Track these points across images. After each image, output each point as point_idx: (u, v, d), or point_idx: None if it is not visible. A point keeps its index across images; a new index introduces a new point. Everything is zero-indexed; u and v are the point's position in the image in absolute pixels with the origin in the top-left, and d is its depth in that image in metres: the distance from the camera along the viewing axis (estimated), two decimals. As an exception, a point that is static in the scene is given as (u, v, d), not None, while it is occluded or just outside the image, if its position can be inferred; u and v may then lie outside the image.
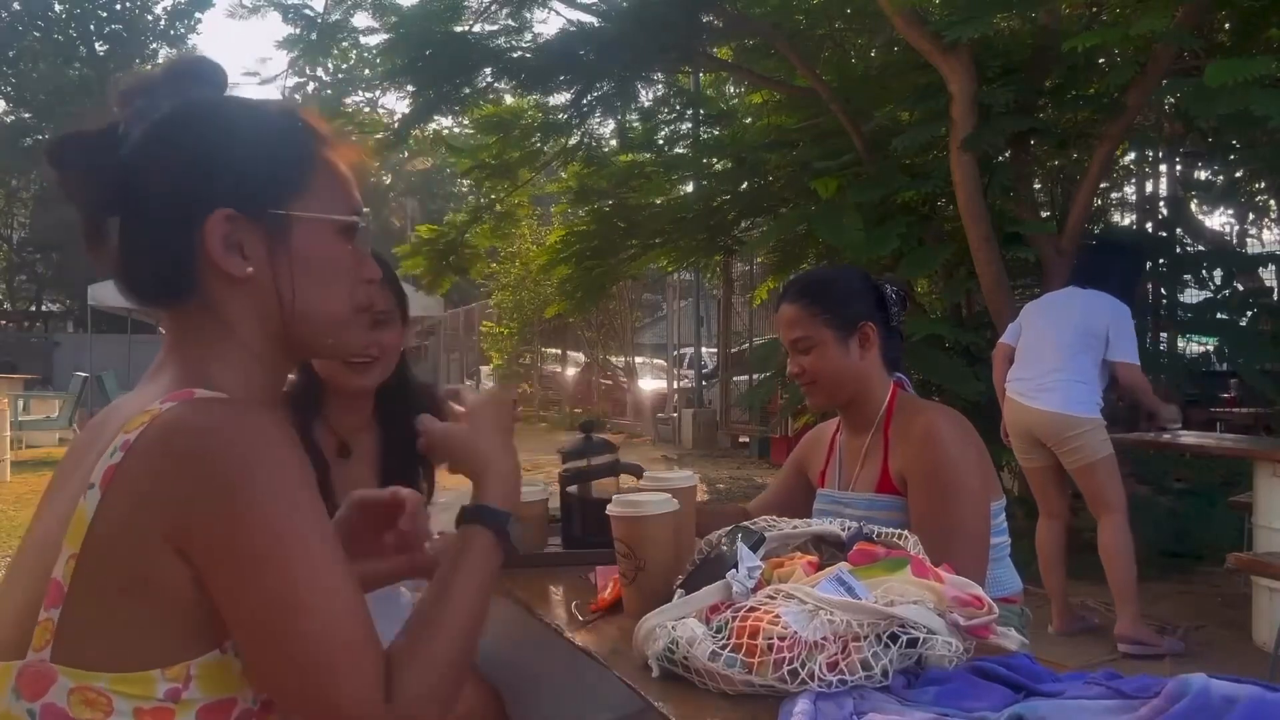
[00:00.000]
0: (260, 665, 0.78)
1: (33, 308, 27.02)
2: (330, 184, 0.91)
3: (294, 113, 0.92)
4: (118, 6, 25.39)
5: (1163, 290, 6.18)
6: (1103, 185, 6.43)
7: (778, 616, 0.97)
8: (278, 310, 0.88)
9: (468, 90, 6.87)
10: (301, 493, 0.79)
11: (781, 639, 0.95)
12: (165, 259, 0.86)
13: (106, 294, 14.24)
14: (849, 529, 1.26)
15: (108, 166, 0.86)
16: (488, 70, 6.64)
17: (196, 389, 0.82)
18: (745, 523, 1.31)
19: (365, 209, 0.94)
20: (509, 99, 7.79)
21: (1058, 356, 3.60)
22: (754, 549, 1.17)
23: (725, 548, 1.22)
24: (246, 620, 0.77)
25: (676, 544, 1.36)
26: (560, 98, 7.08)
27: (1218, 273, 6.10)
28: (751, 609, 1.01)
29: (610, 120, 7.63)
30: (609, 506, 1.38)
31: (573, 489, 1.70)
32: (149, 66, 26.63)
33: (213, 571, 0.77)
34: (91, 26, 25.21)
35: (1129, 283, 3.84)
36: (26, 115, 25.67)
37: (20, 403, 10.89)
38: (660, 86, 7.83)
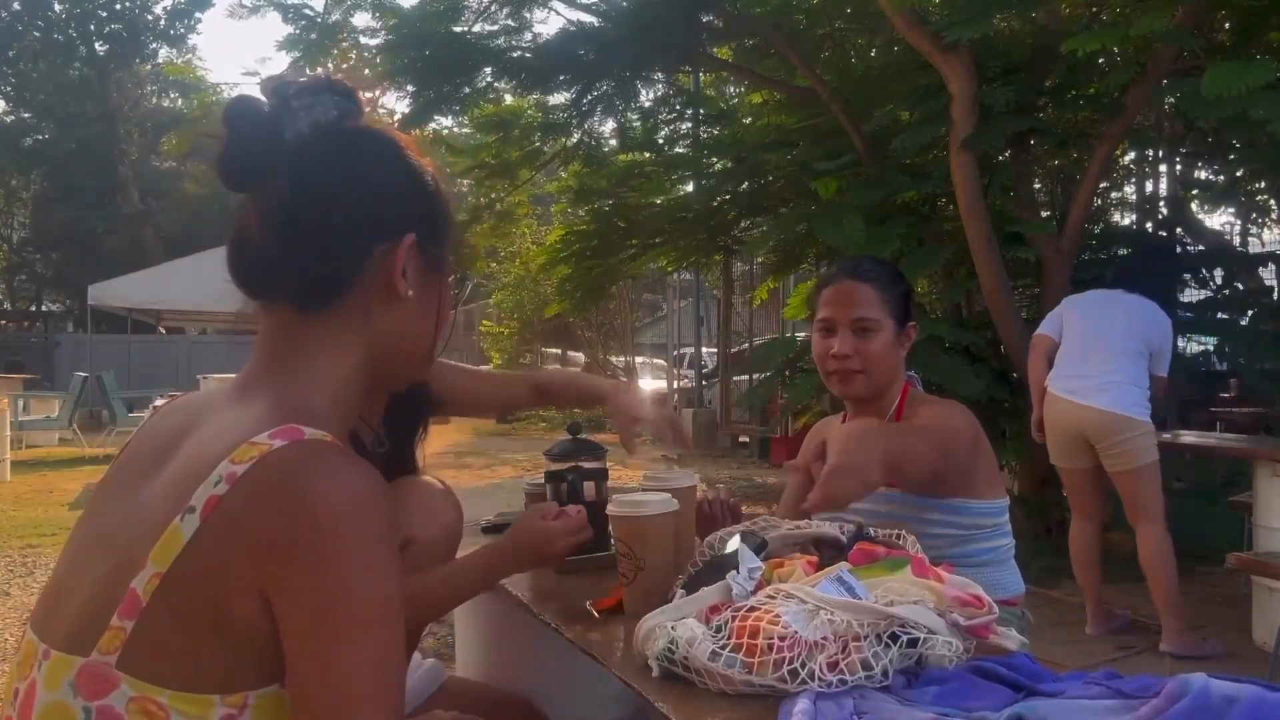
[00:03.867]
0: (297, 703, 0.80)
1: (33, 308, 27.02)
2: (452, 234, 1.00)
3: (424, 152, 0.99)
4: (118, 6, 25.37)
5: (1163, 289, 6.19)
6: (1103, 185, 6.43)
7: (778, 616, 0.97)
8: (411, 333, 0.95)
9: (468, 90, 6.86)
10: (390, 556, 0.81)
11: (781, 639, 0.95)
12: (336, 264, 0.90)
13: (106, 294, 14.25)
14: (848, 531, 1.26)
15: (279, 144, 0.88)
16: (488, 70, 6.64)
17: (305, 426, 0.82)
18: (745, 524, 1.31)
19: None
20: (509, 99, 7.79)
21: (1113, 357, 3.52)
22: (756, 552, 1.18)
23: (726, 551, 1.22)
24: (303, 665, 0.78)
25: (676, 544, 1.36)
26: (560, 97, 7.09)
27: (1218, 272, 6.10)
28: (751, 609, 1.01)
29: (610, 120, 7.64)
30: (609, 507, 1.39)
31: (561, 490, 1.69)
32: (148, 67, 26.56)
33: (290, 619, 0.78)
34: (91, 26, 25.19)
35: (1170, 288, 3.83)
36: (26, 115, 25.66)
37: (20, 403, 10.89)
38: (660, 86, 7.83)
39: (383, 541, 0.80)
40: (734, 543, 1.20)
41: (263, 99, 0.90)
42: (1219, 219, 8.28)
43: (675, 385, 13.31)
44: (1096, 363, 3.53)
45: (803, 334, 7.34)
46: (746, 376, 9.29)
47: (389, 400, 1.64)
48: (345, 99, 0.93)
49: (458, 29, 6.68)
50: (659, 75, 7.42)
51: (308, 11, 7.20)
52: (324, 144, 0.89)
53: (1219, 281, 6.10)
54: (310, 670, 0.78)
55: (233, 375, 0.96)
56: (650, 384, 14.51)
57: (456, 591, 1.45)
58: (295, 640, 0.78)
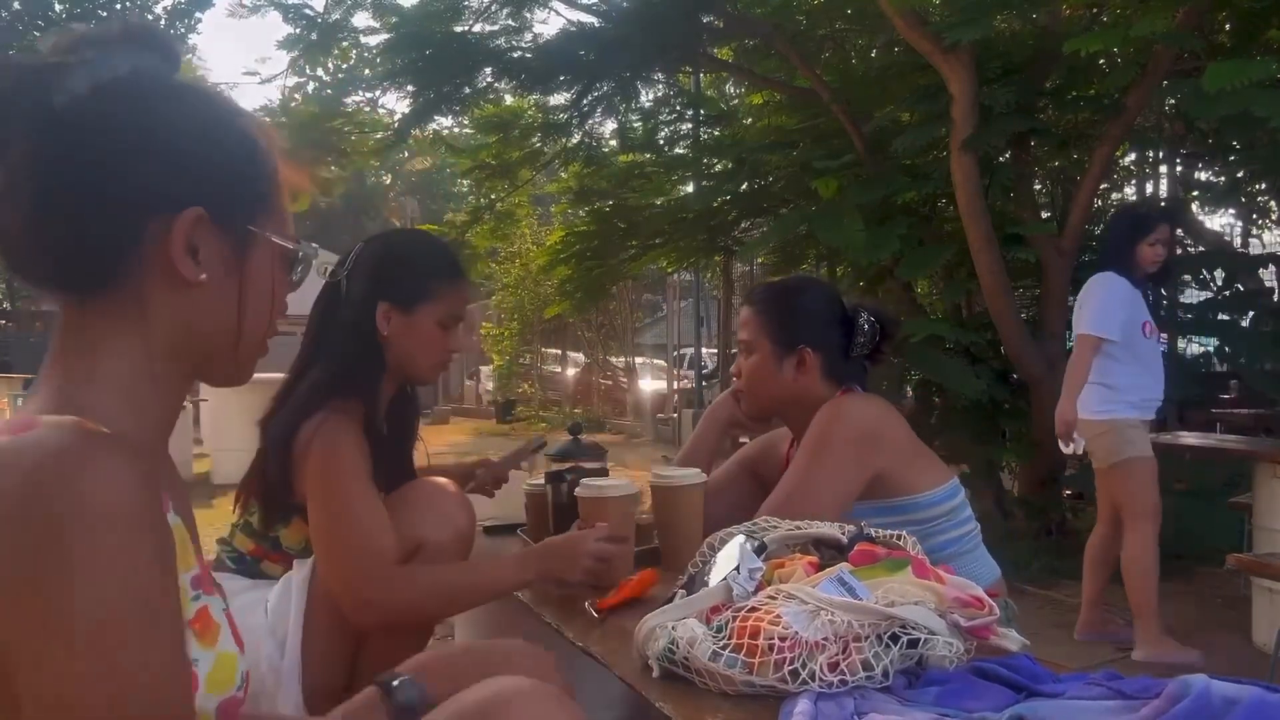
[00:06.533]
0: None
1: (31, 307, 26.99)
2: (283, 207, 0.86)
3: (262, 123, 0.87)
4: (118, 6, 25.36)
5: (1163, 291, 6.18)
6: (1103, 186, 6.44)
7: (779, 617, 0.97)
8: (212, 323, 0.82)
9: (468, 90, 6.86)
10: (134, 555, 0.67)
11: (782, 639, 0.95)
12: (98, 241, 0.76)
13: (106, 294, 14.23)
14: (849, 532, 1.26)
15: (40, 108, 0.73)
16: (488, 70, 6.63)
17: (46, 416, 0.70)
18: (746, 524, 1.31)
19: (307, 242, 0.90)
20: (509, 99, 7.79)
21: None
22: (757, 553, 1.18)
23: (727, 551, 1.22)
24: (35, 681, 0.65)
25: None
26: (560, 98, 7.08)
27: (1218, 273, 6.10)
28: (752, 609, 1.01)
29: (610, 120, 7.63)
30: (577, 489, 1.54)
31: (562, 490, 1.69)
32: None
33: (16, 634, 0.65)
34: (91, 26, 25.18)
35: (1115, 248, 3.38)
36: (27, 115, 25.65)
37: (18, 402, 10.87)
38: (660, 87, 7.83)
39: (123, 532, 0.66)
40: (734, 545, 1.20)
41: (38, 56, 0.76)
42: (1219, 220, 8.29)
43: (675, 385, 13.31)
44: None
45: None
46: (746, 377, 9.27)
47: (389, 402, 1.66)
48: (147, 49, 0.79)
49: (458, 29, 6.68)
50: (659, 76, 7.41)
51: (308, 11, 7.20)
52: (93, 103, 0.74)
53: (1219, 283, 6.11)
54: (41, 686, 0.65)
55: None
56: (650, 384, 14.50)
57: (477, 583, 1.46)
58: (23, 656, 0.65)
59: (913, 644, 0.98)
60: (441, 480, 1.62)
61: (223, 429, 7.94)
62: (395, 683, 1.04)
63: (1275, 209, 8.16)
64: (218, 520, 3.10)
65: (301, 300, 1.19)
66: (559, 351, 17.21)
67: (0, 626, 0.65)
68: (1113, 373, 3.30)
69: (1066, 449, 3.32)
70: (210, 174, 0.80)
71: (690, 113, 8.05)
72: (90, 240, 0.76)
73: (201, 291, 0.80)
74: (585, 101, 6.73)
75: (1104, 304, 3.28)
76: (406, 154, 23.16)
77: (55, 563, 0.64)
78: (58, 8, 25.07)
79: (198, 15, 26.84)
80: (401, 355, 1.56)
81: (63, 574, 0.64)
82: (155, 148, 0.77)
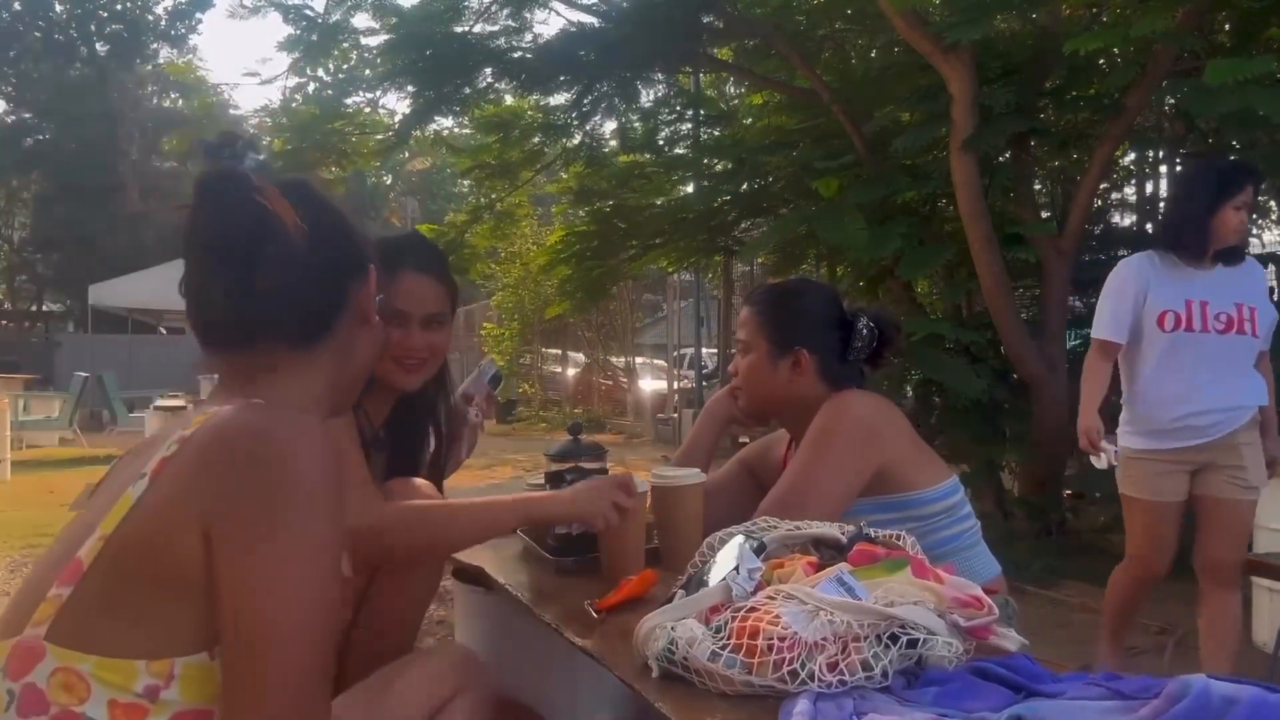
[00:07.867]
0: (232, 661, 0.79)
1: (33, 308, 27.00)
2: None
3: None
4: (118, 6, 25.37)
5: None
6: (1103, 186, 6.43)
7: (778, 617, 0.97)
8: (369, 357, 1.05)
9: (468, 91, 6.86)
10: (337, 508, 0.83)
11: (781, 639, 0.95)
12: (328, 305, 0.99)
13: (107, 294, 14.27)
14: (848, 532, 1.26)
15: (255, 217, 0.92)
16: (488, 71, 6.64)
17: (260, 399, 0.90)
18: (746, 524, 1.31)
19: None
20: (509, 99, 7.79)
21: None
22: (756, 553, 1.18)
23: (726, 551, 1.22)
24: (239, 616, 0.78)
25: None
26: (561, 98, 7.09)
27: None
28: (751, 609, 1.01)
29: (611, 121, 7.64)
30: (650, 476, 1.55)
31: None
32: (149, 67, 26.61)
33: (230, 560, 0.79)
34: (91, 26, 25.19)
35: (1191, 213, 2.80)
36: (27, 115, 25.65)
37: (20, 403, 10.89)
38: (661, 87, 7.83)
39: (330, 482, 0.82)
40: (733, 545, 1.20)
41: (220, 164, 0.94)
42: (1219, 220, 8.26)
43: (675, 385, 13.31)
44: None
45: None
46: (747, 377, 9.25)
47: (395, 411, 1.66)
48: (255, 149, 0.98)
49: (458, 29, 6.68)
50: (659, 76, 7.41)
51: (308, 12, 7.19)
52: (284, 200, 0.94)
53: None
54: (252, 597, 0.78)
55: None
56: (650, 384, 14.50)
57: (467, 520, 1.46)
58: (234, 572, 0.78)
59: (912, 644, 0.98)
60: (421, 482, 1.62)
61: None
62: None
63: (1275, 209, 8.15)
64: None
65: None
66: (559, 351, 17.20)
67: (220, 554, 0.78)
68: (1126, 388, 2.81)
69: (1099, 464, 2.79)
70: (362, 237, 1.05)
71: (690, 113, 8.05)
72: (322, 305, 0.99)
73: (370, 332, 1.04)
74: (585, 102, 6.74)
75: (1105, 297, 2.76)
76: (407, 154, 23.16)
77: (278, 507, 0.79)
78: (58, 8, 25.11)
79: (198, 15, 26.93)
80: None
81: (283, 516, 0.79)
82: (337, 224, 1.01)
